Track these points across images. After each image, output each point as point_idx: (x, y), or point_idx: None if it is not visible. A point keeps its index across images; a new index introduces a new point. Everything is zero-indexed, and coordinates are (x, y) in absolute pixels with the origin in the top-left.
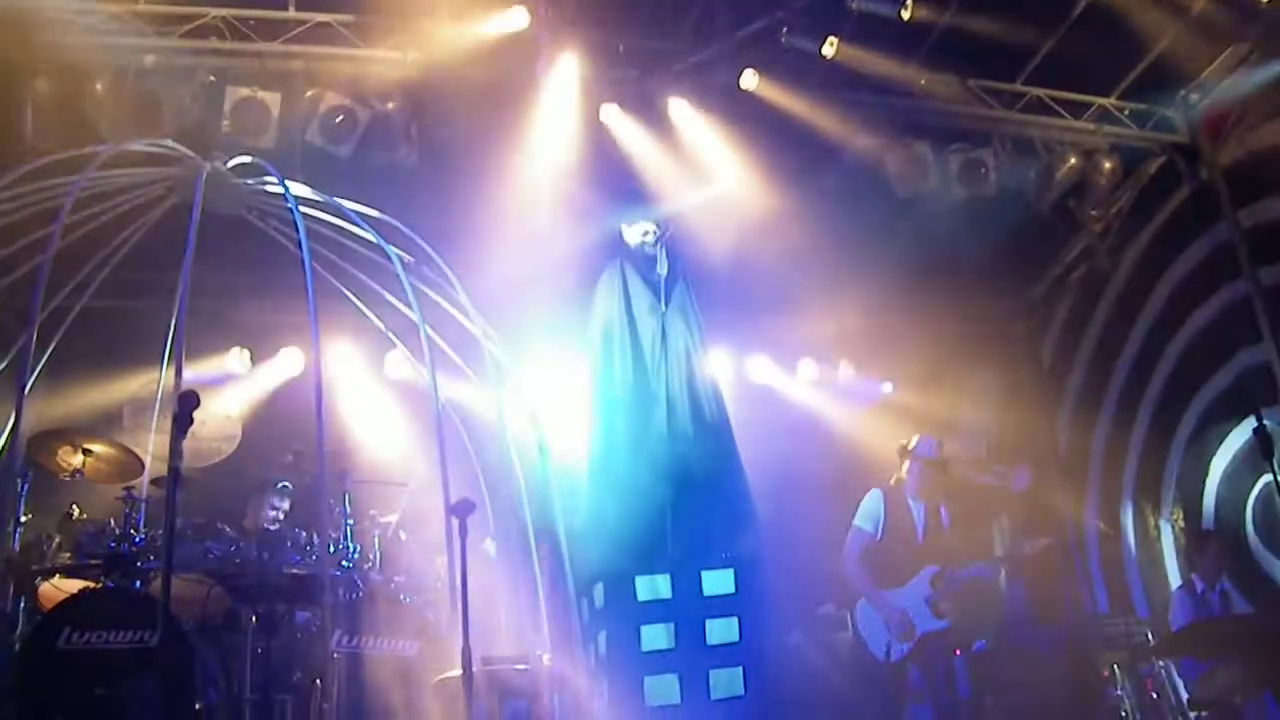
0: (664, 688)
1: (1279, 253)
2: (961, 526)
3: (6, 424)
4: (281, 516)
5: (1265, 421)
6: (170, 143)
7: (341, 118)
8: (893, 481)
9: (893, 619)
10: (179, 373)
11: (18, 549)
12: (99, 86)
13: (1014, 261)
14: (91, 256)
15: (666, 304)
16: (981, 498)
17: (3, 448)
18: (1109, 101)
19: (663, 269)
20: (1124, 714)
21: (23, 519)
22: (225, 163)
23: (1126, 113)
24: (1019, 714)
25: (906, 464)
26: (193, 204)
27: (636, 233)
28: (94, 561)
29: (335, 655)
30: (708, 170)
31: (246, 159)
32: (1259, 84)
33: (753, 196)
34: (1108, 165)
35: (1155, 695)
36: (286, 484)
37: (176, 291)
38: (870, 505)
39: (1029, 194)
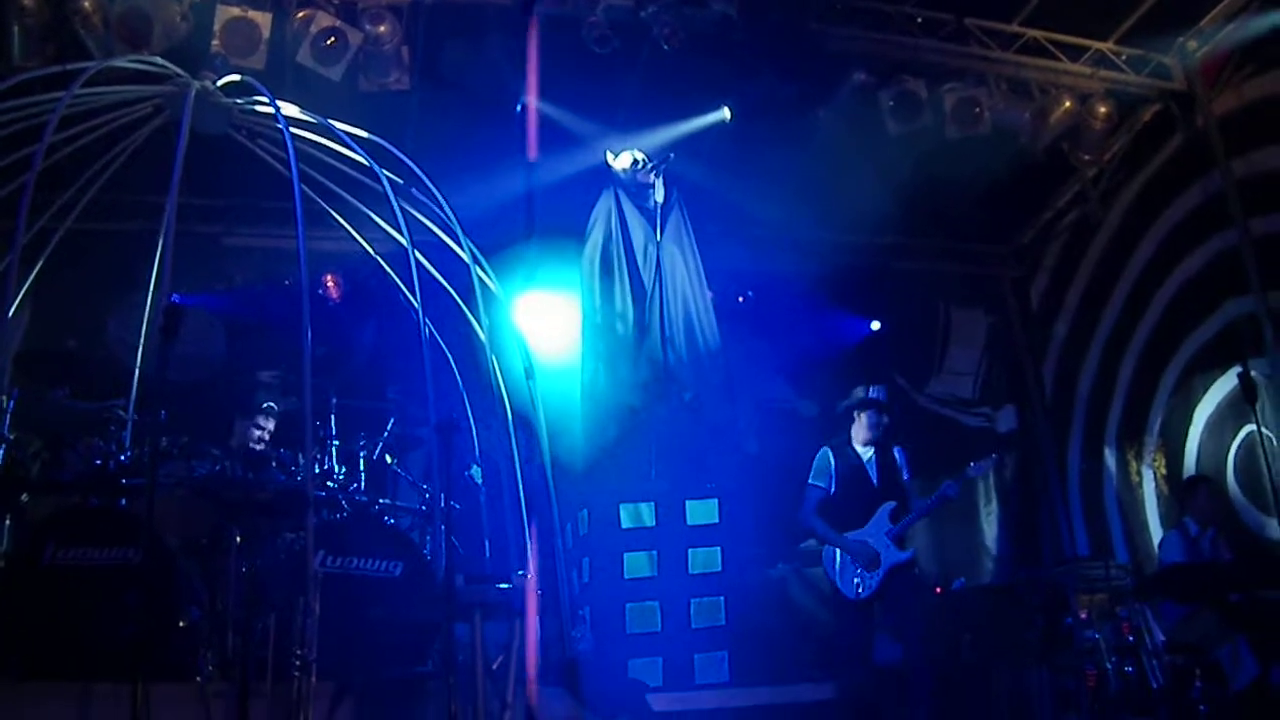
0: (645, 615)
1: (1271, 203)
2: (921, 466)
3: None
4: (266, 437)
5: (1251, 371)
6: (160, 60)
7: (333, 39)
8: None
9: (856, 551)
10: (165, 286)
11: (2, 467)
12: (86, 3)
13: (1005, 205)
14: (77, 177)
15: (661, 232)
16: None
17: None
18: (1106, 46)
19: (659, 196)
20: (1099, 656)
21: (9, 437)
22: (215, 82)
23: (1123, 58)
24: (994, 654)
25: (860, 413)
26: (180, 123)
27: (624, 161)
28: (79, 479)
29: (319, 574)
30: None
31: (236, 78)
32: (1257, 33)
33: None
34: (1102, 110)
35: (1131, 638)
36: (271, 404)
37: (164, 214)
38: (820, 462)
39: (1022, 136)
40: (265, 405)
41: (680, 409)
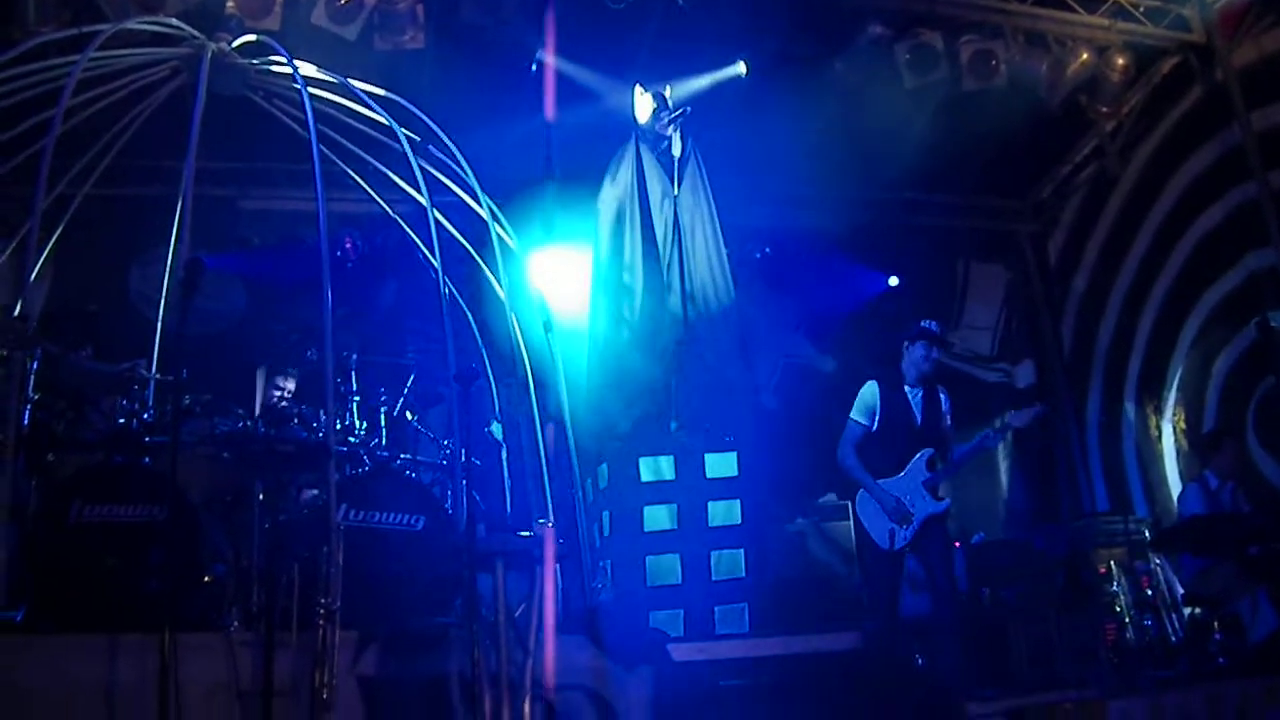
0: (666, 567)
1: None
2: (962, 412)
3: (15, 306)
4: (288, 396)
5: (1271, 322)
6: (175, 21)
7: None
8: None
9: (888, 506)
10: (184, 244)
11: (28, 427)
12: None
13: (1022, 160)
14: (94, 142)
15: (679, 186)
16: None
17: None
18: None
19: (676, 150)
20: (1119, 609)
21: (33, 397)
22: (231, 43)
23: (1141, 9)
24: (1014, 608)
25: (916, 346)
26: (197, 85)
27: (647, 106)
28: (103, 437)
29: (342, 527)
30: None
31: (252, 38)
32: None
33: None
34: (1120, 62)
35: (1150, 592)
36: (292, 368)
37: (181, 177)
38: (866, 396)
39: (1039, 89)
40: (286, 367)
41: (698, 364)
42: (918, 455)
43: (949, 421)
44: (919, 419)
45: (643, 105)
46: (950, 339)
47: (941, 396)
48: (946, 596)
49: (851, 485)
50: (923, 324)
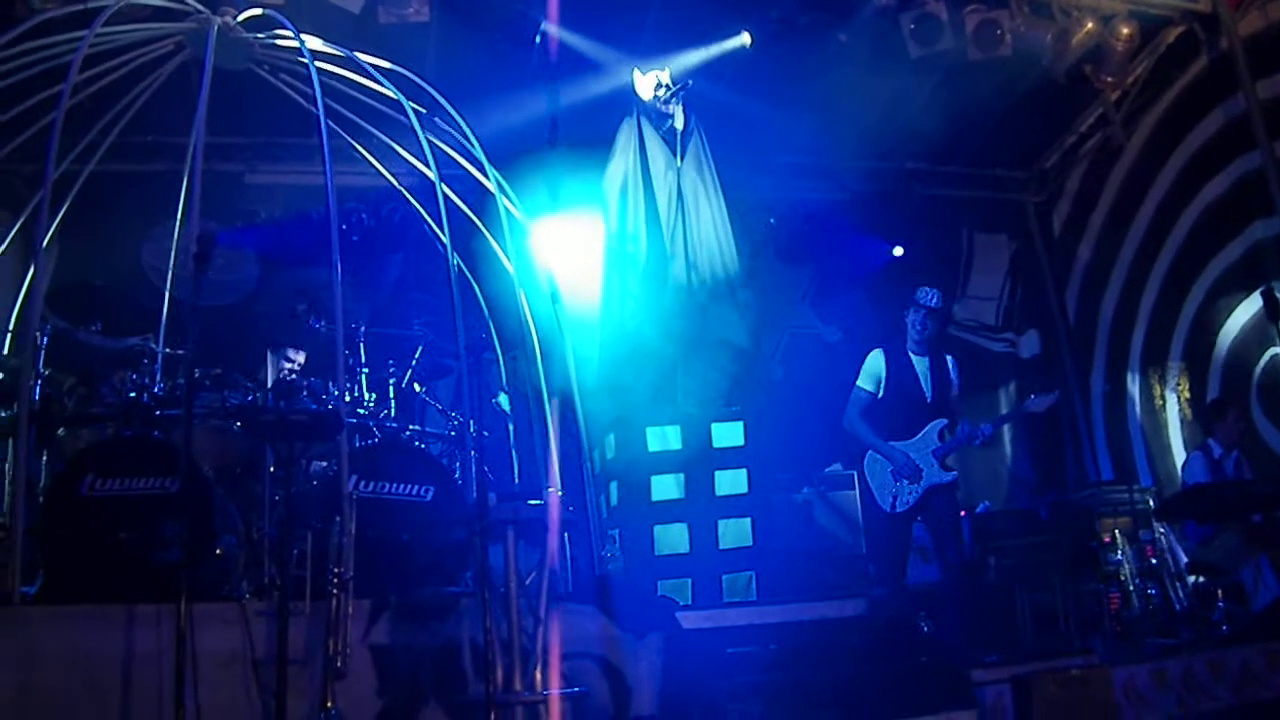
0: (673, 536)
1: None
2: (968, 381)
3: (25, 281)
4: (297, 369)
5: (1276, 292)
6: None
7: None
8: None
9: (899, 464)
10: (193, 218)
11: (38, 403)
12: None
13: (1027, 129)
14: (99, 118)
15: (682, 159)
16: (989, 363)
17: (22, 303)
18: None
19: (679, 123)
20: (1123, 578)
21: (43, 373)
22: (235, 17)
23: None
24: (1019, 576)
25: (909, 314)
26: (203, 60)
27: (648, 86)
28: (113, 412)
29: (353, 497)
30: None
31: (257, 12)
32: None
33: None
34: (1125, 31)
35: (1154, 561)
36: (300, 343)
37: (188, 153)
38: (871, 364)
39: (1044, 58)
40: (295, 340)
41: (703, 334)
42: (931, 424)
43: (957, 390)
44: (928, 387)
45: (644, 83)
46: (951, 307)
47: (950, 365)
48: (954, 565)
49: (858, 453)
50: (916, 293)
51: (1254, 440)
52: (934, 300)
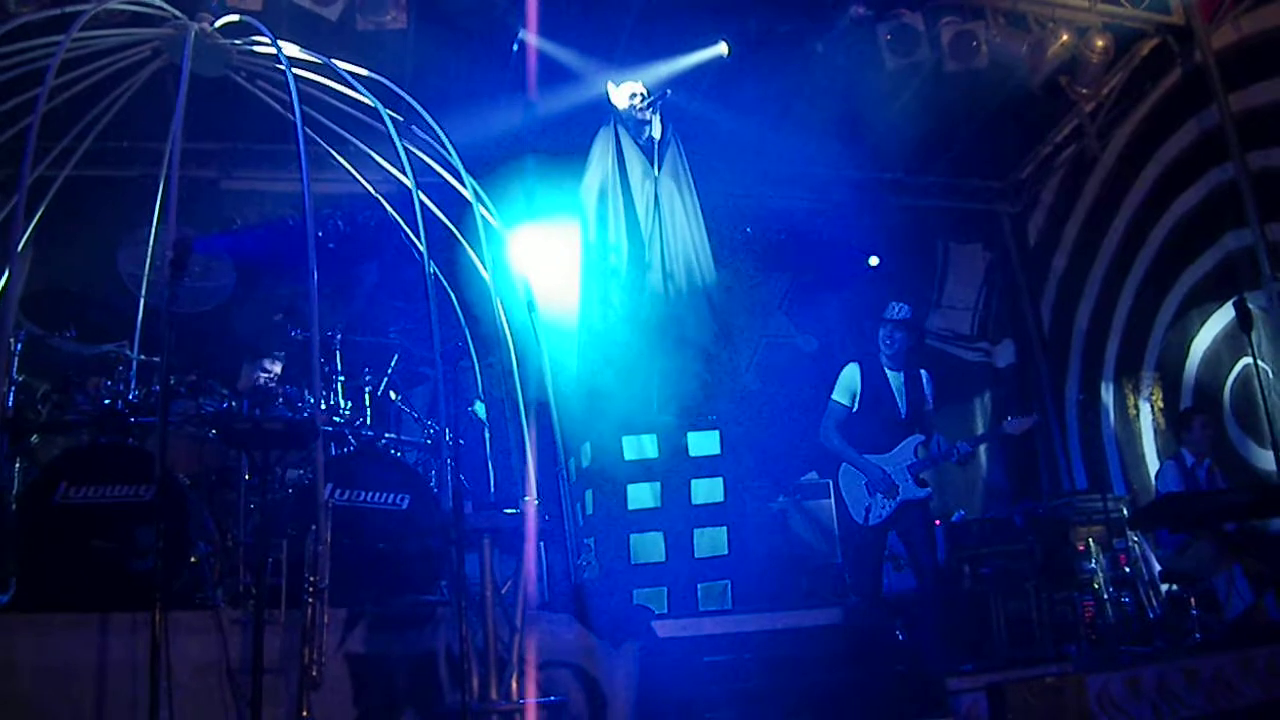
0: (649, 545)
1: (1268, 137)
2: (942, 392)
3: None
4: (274, 376)
5: (1249, 302)
6: (157, 1)
7: None
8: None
9: (875, 478)
10: (170, 225)
11: (12, 410)
12: None
13: (1003, 140)
14: (75, 123)
15: (659, 168)
16: (964, 372)
17: None
18: None
19: (655, 133)
20: (1097, 586)
21: (17, 380)
22: (213, 23)
23: None
24: (993, 584)
25: (880, 330)
26: (180, 66)
27: (624, 96)
28: (87, 419)
29: (328, 506)
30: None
31: (235, 18)
32: None
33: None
34: (1100, 44)
35: (1128, 570)
36: (277, 352)
37: (164, 158)
38: (846, 378)
39: (1020, 70)
40: (271, 348)
41: (680, 343)
42: (906, 439)
43: (930, 405)
44: (902, 402)
45: (619, 93)
46: (923, 319)
47: (924, 380)
48: (929, 575)
49: (834, 463)
50: (890, 310)
51: (1226, 449)
52: (903, 313)
